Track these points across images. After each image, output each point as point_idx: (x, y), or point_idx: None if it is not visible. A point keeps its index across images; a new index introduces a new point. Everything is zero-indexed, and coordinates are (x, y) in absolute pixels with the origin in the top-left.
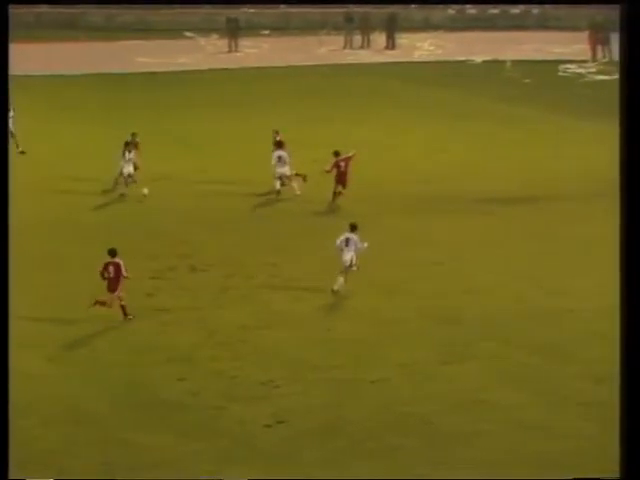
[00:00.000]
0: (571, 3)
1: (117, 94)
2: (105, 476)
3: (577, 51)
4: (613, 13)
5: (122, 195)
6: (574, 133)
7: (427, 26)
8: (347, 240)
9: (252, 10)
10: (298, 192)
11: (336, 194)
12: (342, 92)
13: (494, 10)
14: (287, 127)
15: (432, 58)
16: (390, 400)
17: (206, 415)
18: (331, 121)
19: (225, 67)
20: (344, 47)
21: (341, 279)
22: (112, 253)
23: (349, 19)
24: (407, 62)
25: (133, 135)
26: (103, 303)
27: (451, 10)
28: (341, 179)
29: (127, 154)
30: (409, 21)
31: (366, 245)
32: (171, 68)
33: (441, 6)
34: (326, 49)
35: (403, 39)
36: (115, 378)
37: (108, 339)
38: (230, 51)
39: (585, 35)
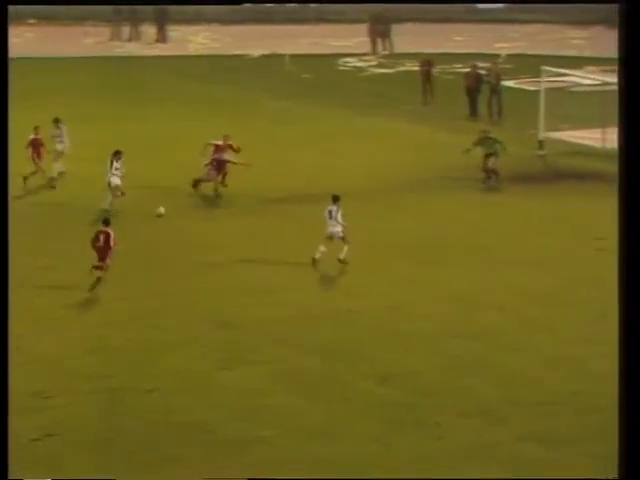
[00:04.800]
0: (570, 3)
1: None
2: None
3: (357, 44)
4: (391, 7)
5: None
6: (356, 128)
7: (200, 19)
8: (330, 212)
9: None
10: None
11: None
12: (110, 86)
13: (270, 4)
14: (49, 124)
15: (207, 52)
16: (167, 409)
17: None
18: (98, 118)
19: None
20: (111, 39)
21: (322, 248)
22: (106, 222)
23: (117, 10)
24: (180, 56)
25: (35, 129)
26: (100, 267)
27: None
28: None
29: (115, 163)
30: (181, 13)
31: (344, 223)
32: None
33: None
34: (92, 40)
35: (175, 32)
36: None
37: None
38: None
39: (364, 28)
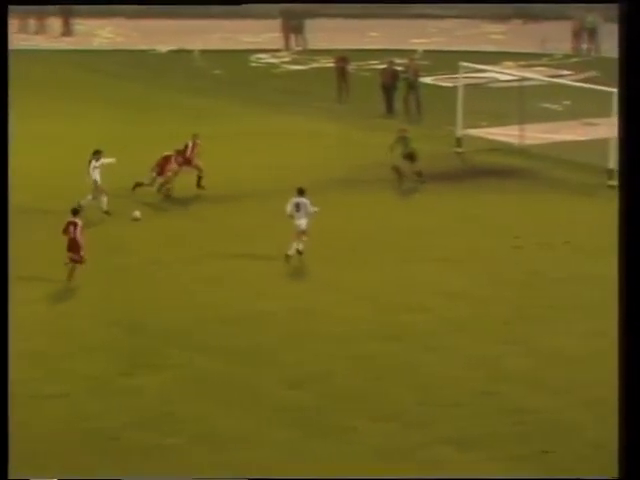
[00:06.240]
0: (570, 3)
1: None
2: None
3: (269, 40)
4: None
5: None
6: (268, 126)
7: (106, 12)
8: (297, 205)
9: None
10: None
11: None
12: (15, 81)
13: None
14: None
15: (113, 47)
16: (72, 416)
17: None
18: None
19: None
20: (18, 32)
21: (294, 244)
22: (74, 212)
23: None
24: (85, 50)
25: None
26: (76, 261)
27: None
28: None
29: (94, 162)
30: (86, 7)
31: (316, 210)
32: None
33: None
34: None
35: (81, 25)
36: None
37: None
38: None
39: (277, 23)
